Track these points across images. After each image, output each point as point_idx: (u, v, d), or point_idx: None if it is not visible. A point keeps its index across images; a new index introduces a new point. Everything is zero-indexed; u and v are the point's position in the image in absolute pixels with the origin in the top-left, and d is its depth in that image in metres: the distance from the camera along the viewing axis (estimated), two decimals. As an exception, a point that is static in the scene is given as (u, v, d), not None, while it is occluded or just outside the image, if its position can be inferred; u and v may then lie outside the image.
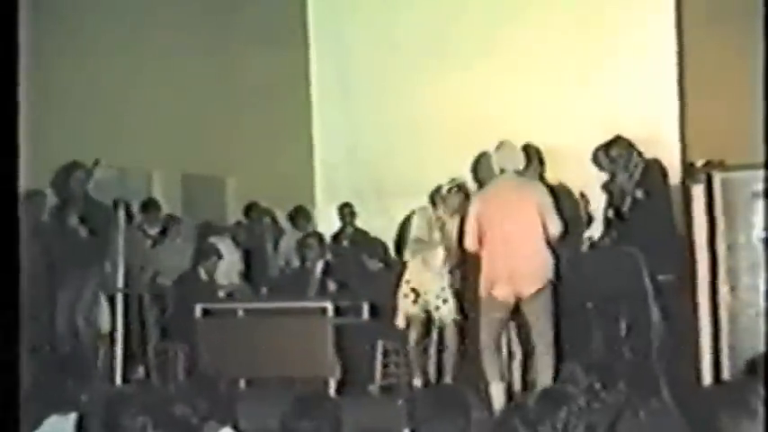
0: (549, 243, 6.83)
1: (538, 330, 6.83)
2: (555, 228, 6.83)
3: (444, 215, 7.83)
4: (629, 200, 7.41)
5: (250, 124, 11.12)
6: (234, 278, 9.74)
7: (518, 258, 6.74)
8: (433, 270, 7.82)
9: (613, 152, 7.67)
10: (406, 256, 8.02)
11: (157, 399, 4.58)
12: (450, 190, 7.82)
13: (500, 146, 7.07)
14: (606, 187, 7.74)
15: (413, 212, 8.16)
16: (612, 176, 7.68)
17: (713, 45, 9.79)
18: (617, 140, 7.76)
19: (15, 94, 4.27)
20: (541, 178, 7.37)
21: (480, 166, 7.73)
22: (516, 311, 6.94)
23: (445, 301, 7.77)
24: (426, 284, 7.82)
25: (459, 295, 7.76)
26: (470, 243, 6.99)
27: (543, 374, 6.70)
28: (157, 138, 10.27)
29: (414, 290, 7.84)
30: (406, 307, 7.85)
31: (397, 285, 7.93)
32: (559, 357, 6.79)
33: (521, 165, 7.04)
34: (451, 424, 3.96)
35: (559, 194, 7.21)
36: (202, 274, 9.31)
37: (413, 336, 7.86)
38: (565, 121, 10.10)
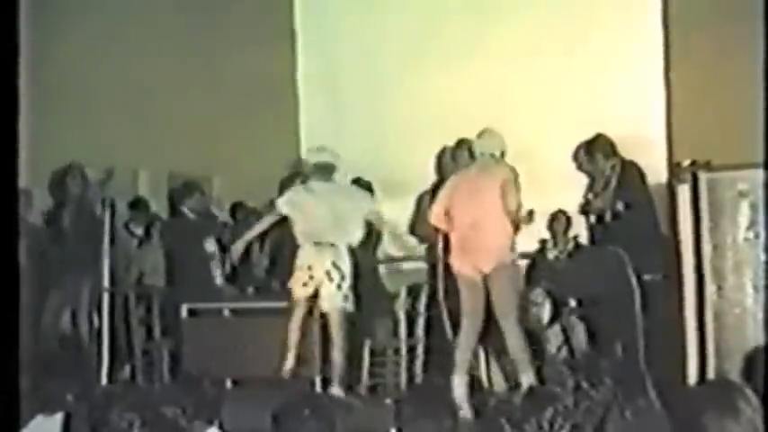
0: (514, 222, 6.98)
1: (501, 310, 6.89)
2: (512, 203, 6.96)
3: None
4: (608, 213, 7.48)
5: (237, 123, 11.09)
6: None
7: (480, 235, 6.93)
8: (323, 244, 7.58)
9: (593, 151, 7.73)
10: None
11: (143, 399, 4.58)
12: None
13: (482, 132, 7.29)
14: (587, 193, 7.79)
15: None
16: (591, 178, 7.73)
17: (700, 45, 9.80)
18: (597, 138, 7.82)
19: (16, 94, 4.26)
20: None
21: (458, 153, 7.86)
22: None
23: (332, 280, 7.53)
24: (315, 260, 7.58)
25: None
26: (434, 217, 7.24)
27: (516, 356, 6.73)
28: (144, 137, 10.24)
29: (309, 267, 7.61)
30: (294, 288, 7.66)
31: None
32: (543, 358, 6.81)
33: (499, 150, 7.18)
34: (438, 424, 3.96)
35: None
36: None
37: (293, 320, 7.65)
38: (552, 119, 10.11)
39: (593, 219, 7.62)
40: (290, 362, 7.51)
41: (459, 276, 7.04)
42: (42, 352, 7.90)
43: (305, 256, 7.58)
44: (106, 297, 8.51)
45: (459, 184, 7.21)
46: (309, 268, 7.52)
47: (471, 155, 7.62)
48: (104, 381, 8.28)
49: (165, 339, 8.91)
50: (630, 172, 7.67)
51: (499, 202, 6.94)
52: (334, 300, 7.53)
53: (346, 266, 7.52)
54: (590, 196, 7.77)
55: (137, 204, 9.92)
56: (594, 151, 7.79)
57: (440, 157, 8.06)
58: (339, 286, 7.52)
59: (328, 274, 7.49)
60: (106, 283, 8.48)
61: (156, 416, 4.16)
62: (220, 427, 4.44)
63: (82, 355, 8.22)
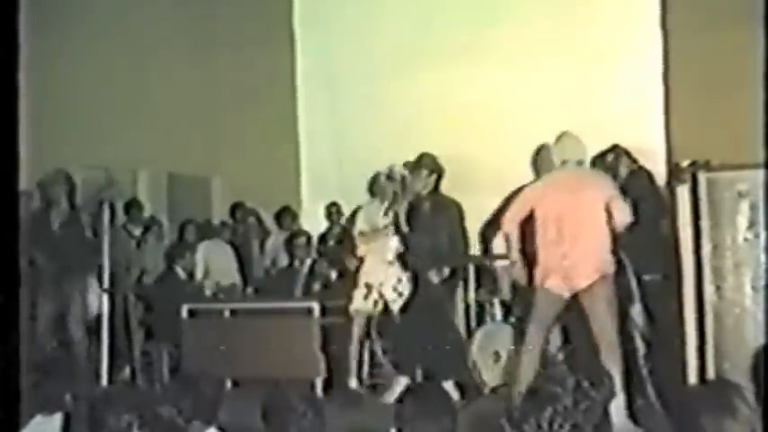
0: (613, 234, 6.59)
1: (599, 325, 6.45)
2: (625, 216, 6.57)
3: (395, 205, 7.81)
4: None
5: (236, 124, 11.11)
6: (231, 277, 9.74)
7: (577, 250, 6.47)
8: (385, 262, 7.73)
9: (609, 160, 7.66)
10: (360, 250, 7.95)
11: (143, 399, 4.57)
12: (387, 178, 7.86)
13: (561, 137, 6.89)
14: None
15: (359, 208, 8.16)
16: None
17: (699, 47, 9.81)
18: (613, 149, 7.77)
19: (16, 95, 4.27)
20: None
21: (540, 159, 7.59)
22: (567, 310, 6.60)
23: (401, 294, 7.69)
24: (380, 277, 7.74)
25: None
26: (508, 224, 6.73)
27: (613, 371, 6.29)
28: (143, 137, 10.25)
29: (367, 284, 7.78)
30: (356, 302, 7.80)
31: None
32: (545, 358, 6.79)
33: (583, 156, 6.85)
34: (438, 424, 3.96)
35: None
36: (180, 273, 9.28)
37: (355, 332, 7.80)
38: (550, 121, 10.09)
39: None
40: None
41: (544, 290, 6.51)
42: (37, 356, 7.89)
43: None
44: (105, 298, 8.50)
45: (548, 193, 6.68)
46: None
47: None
48: (104, 381, 8.27)
49: (164, 340, 8.91)
50: (641, 176, 7.63)
51: (601, 215, 6.52)
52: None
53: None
54: None
55: (133, 206, 9.92)
56: (611, 160, 7.70)
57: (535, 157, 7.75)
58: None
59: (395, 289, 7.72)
60: (106, 284, 8.47)
61: (155, 416, 4.17)
62: (219, 427, 4.44)
63: (74, 359, 8.19)
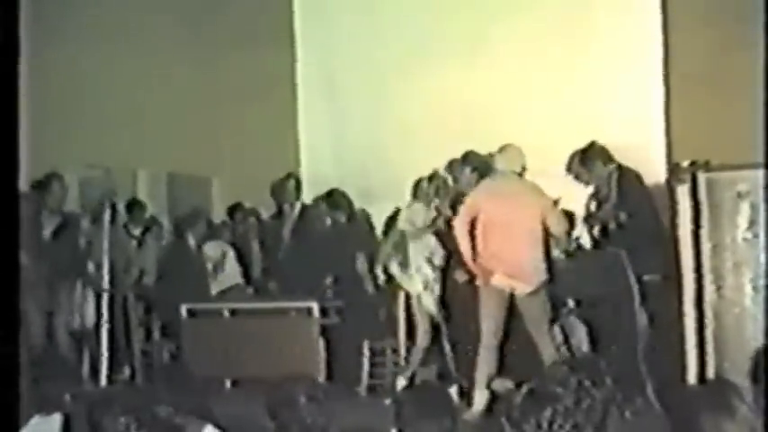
0: (546, 244, 7.09)
1: (536, 330, 7.04)
2: (561, 226, 7.14)
3: (433, 208, 7.89)
4: (612, 223, 7.47)
5: (236, 124, 11.10)
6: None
7: (517, 257, 6.97)
8: (425, 260, 7.76)
9: (588, 160, 7.72)
10: (411, 251, 7.88)
11: (142, 399, 4.58)
12: (429, 180, 7.96)
13: (503, 148, 7.30)
14: (589, 202, 7.78)
15: (398, 209, 8.20)
16: (595, 187, 7.72)
17: (699, 46, 9.81)
18: (591, 147, 7.80)
19: (16, 95, 4.27)
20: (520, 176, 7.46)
21: (454, 167, 7.85)
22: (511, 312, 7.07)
23: (432, 291, 7.72)
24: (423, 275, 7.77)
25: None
26: (458, 228, 7.16)
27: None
28: (143, 137, 10.25)
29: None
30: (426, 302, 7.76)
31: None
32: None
33: (521, 167, 7.23)
34: (438, 424, 3.96)
35: None
36: (191, 242, 9.32)
37: (423, 330, 7.77)
38: (550, 121, 10.12)
39: (596, 231, 7.64)
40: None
41: (490, 288, 7.01)
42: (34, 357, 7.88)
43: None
44: (105, 297, 8.49)
45: (491, 198, 7.17)
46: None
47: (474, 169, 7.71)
48: (104, 381, 8.26)
49: (164, 340, 8.91)
50: (629, 178, 7.66)
51: (538, 226, 7.04)
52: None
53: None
54: (592, 206, 7.75)
55: (133, 205, 9.92)
56: (592, 159, 7.76)
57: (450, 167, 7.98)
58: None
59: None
60: (105, 284, 8.47)
61: (154, 416, 4.17)
62: (218, 426, 4.44)
63: (66, 360, 8.19)
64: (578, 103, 10.19)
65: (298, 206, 9.43)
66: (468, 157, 7.94)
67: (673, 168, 6.55)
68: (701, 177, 6.19)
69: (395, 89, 11.07)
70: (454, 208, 7.71)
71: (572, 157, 7.87)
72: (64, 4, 9.81)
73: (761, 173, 5.95)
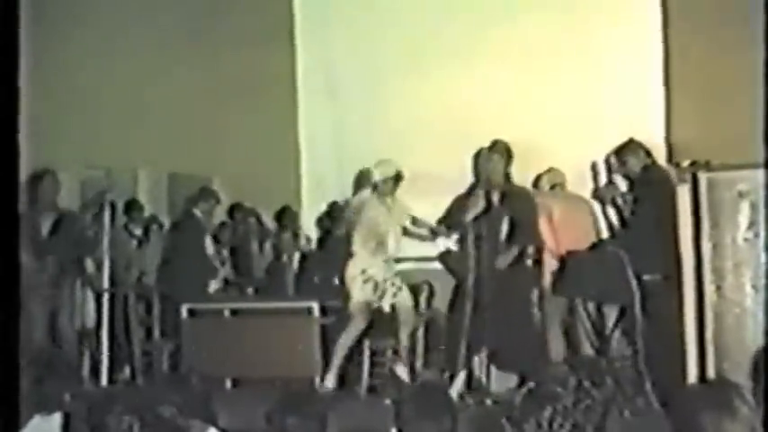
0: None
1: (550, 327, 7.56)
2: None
3: (389, 201, 7.95)
4: (628, 208, 7.46)
5: (236, 124, 11.10)
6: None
7: None
8: (383, 258, 7.86)
9: (625, 156, 7.65)
10: (356, 245, 7.96)
11: (143, 399, 4.58)
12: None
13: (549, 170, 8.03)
14: (598, 195, 7.77)
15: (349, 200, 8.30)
16: (610, 182, 7.71)
17: (699, 46, 9.82)
18: (629, 144, 7.74)
19: (16, 94, 4.27)
20: (507, 175, 7.55)
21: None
22: None
23: (400, 288, 7.85)
24: (381, 273, 7.85)
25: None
26: (553, 242, 7.83)
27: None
28: (143, 137, 10.24)
29: (372, 279, 7.83)
30: (365, 296, 7.81)
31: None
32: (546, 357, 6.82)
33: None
34: (438, 424, 3.96)
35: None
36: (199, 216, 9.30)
37: (360, 326, 7.84)
38: (551, 120, 10.12)
39: (614, 219, 7.64)
40: None
41: None
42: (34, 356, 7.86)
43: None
44: (105, 297, 8.50)
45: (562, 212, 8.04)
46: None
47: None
48: (104, 381, 8.27)
49: (164, 340, 8.91)
50: (652, 172, 7.63)
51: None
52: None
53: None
54: (620, 202, 7.73)
55: (132, 205, 9.92)
56: (627, 156, 7.71)
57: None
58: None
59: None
60: (106, 283, 8.47)
61: (155, 416, 4.17)
62: (220, 427, 4.44)
63: (66, 359, 8.17)
64: (578, 103, 10.20)
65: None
66: (496, 145, 7.89)
67: (673, 168, 6.55)
68: (702, 177, 6.19)
69: (395, 89, 11.07)
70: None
71: (608, 156, 7.79)
72: (64, 4, 9.81)
73: (761, 173, 5.94)
